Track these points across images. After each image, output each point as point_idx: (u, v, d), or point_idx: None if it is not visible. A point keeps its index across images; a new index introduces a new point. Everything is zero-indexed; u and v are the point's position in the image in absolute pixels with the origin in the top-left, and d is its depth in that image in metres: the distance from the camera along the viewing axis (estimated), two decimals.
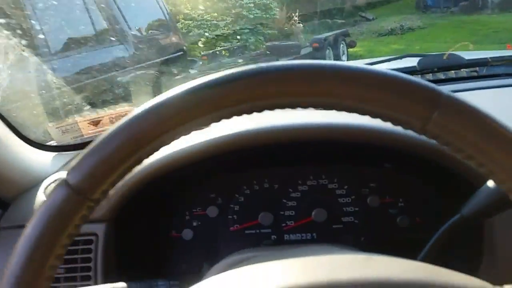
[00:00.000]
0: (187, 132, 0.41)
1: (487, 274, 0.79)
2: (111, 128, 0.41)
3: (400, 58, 1.38)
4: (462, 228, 0.68)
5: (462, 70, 1.30)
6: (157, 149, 0.42)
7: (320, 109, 0.42)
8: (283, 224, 0.99)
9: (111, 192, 0.84)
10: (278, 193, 0.99)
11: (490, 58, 1.28)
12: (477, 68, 1.28)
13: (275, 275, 0.42)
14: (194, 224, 1.01)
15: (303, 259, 0.45)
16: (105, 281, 0.80)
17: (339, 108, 0.42)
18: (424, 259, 0.68)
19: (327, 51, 7.32)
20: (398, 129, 0.81)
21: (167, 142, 0.41)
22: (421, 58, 1.32)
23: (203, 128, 0.42)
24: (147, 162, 0.87)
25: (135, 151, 0.41)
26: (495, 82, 1.20)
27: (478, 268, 0.80)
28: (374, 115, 0.42)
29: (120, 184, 0.87)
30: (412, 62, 1.32)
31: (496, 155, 0.39)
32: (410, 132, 0.77)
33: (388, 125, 0.82)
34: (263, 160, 1.00)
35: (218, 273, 0.66)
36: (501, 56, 1.29)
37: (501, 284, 0.37)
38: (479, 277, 0.40)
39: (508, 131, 0.39)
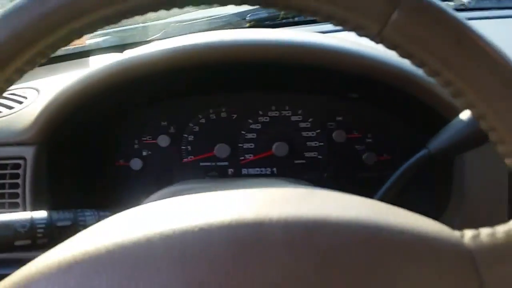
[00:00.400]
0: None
1: (453, 218, 0.73)
2: None
3: None
4: (428, 165, 0.60)
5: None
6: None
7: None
8: (241, 158, 0.91)
9: (40, 110, 0.74)
10: (237, 124, 0.90)
11: None
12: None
13: (200, 207, 0.34)
14: (144, 153, 0.92)
15: (237, 192, 0.37)
16: (35, 209, 0.72)
17: (282, 7, 0.32)
18: (382, 198, 0.61)
19: None
20: (366, 51, 0.72)
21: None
22: None
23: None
24: (81, 75, 0.78)
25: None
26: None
27: (443, 212, 0.75)
28: (322, 16, 0.33)
29: (49, 100, 0.77)
30: None
31: (468, 70, 0.30)
32: (378, 55, 0.68)
33: (357, 47, 0.73)
34: (221, 85, 0.90)
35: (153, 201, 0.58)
36: None
37: (462, 229, 0.29)
38: (442, 221, 0.32)
39: (482, 38, 0.30)
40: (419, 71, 0.69)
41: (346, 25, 0.34)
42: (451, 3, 1.19)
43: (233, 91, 0.90)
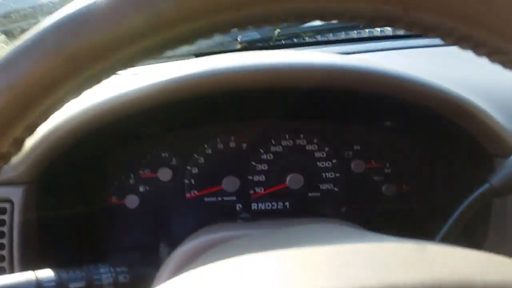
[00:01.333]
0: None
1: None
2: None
3: None
4: (490, 201, 0.55)
5: None
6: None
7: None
8: (251, 191, 0.83)
9: (31, 145, 0.63)
10: (246, 154, 0.82)
11: None
12: None
13: (291, 274, 0.27)
14: (141, 189, 0.81)
15: (326, 249, 0.30)
16: (24, 264, 0.59)
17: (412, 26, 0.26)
18: (446, 236, 0.55)
19: None
20: (413, 76, 0.66)
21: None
22: None
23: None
24: (78, 107, 0.68)
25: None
26: None
27: (482, 247, 0.70)
28: (456, 37, 0.26)
29: (42, 135, 0.66)
30: None
31: None
32: (426, 80, 0.63)
33: (403, 72, 0.67)
34: (229, 112, 0.82)
35: (183, 261, 0.48)
36: None
37: None
38: None
39: None
40: (474, 101, 0.65)
41: (480, 49, 0.27)
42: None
43: (243, 119, 0.82)
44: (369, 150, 0.83)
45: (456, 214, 0.55)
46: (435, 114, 0.62)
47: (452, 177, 0.77)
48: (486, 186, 0.55)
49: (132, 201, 0.80)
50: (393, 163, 0.83)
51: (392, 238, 0.42)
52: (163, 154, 0.81)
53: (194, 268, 0.35)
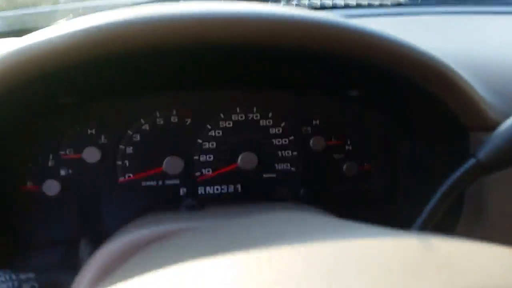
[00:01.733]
0: None
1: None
2: None
3: None
4: (478, 176, 0.48)
5: None
6: None
7: None
8: (197, 173, 0.71)
9: None
10: (191, 130, 0.70)
11: None
12: None
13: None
14: (63, 172, 0.67)
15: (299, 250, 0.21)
16: None
17: None
18: (429, 217, 0.47)
19: None
20: (392, 36, 0.57)
21: None
22: None
23: None
24: None
25: None
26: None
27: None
28: None
29: None
30: None
31: None
32: (410, 44, 0.54)
33: (376, 29, 0.57)
34: (170, 80, 0.69)
35: (108, 265, 0.38)
36: None
37: None
38: None
39: None
40: (451, 66, 0.57)
41: None
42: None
43: (186, 88, 0.70)
44: (330, 125, 0.74)
45: (439, 194, 0.47)
46: (406, 80, 0.53)
47: (423, 154, 0.69)
48: (471, 161, 0.47)
49: (51, 187, 0.66)
50: (356, 139, 0.75)
51: (372, 228, 0.33)
52: (89, 131, 0.67)
53: (120, 275, 0.24)
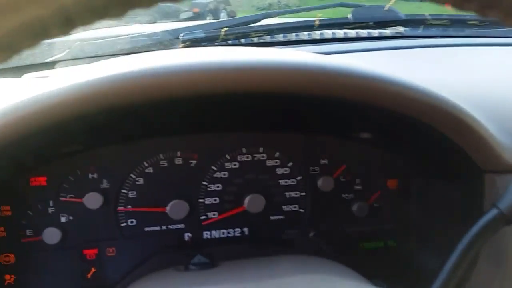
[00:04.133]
0: None
1: None
2: None
3: (332, 6, 1.14)
4: (500, 228, 0.45)
5: (398, 27, 1.12)
6: None
7: None
8: (202, 217, 0.69)
9: None
10: (196, 173, 0.68)
11: (430, 16, 1.11)
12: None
13: None
14: (63, 219, 0.65)
15: None
16: None
17: None
18: (453, 271, 0.44)
19: (208, 17, 6.98)
20: (411, 82, 0.55)
21: None
22: (355, 8, 1.10)
23: None
24: None
25: None
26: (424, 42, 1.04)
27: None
28: None
29: None
30: (346, 12, 1.09)
31: None
32: (426, 89, 0.52)
33: (392, 75, 0.56)
34: (174, 123, 0.67)
35: None
36: (440, 15, 1.13)
37: None
38: None
39: None
40: (464, 107, 0.55)
41: None
42: (387, 31, 1.12)
43: (191, 131, 0.68)
44: (339, 164, 0.72)
45: (463, 245, 0.45)
46: (421, 125, 0.52)
47: (435, 195, 0.67)
48: (493, 212, 0.45)
49: (51, 235, 0.63)
50: (366, 178, 0.73)
51: None
52: (90, 175, 0.65)
53: None
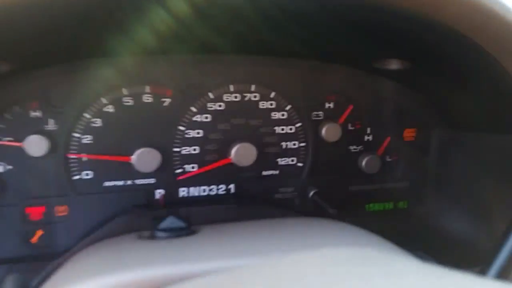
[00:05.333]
0: None
1: None
2: None
3: None
4: None
5: None
6: None
7: None
8: (178, 170, 0.55)
9: None
10: (170, 114, 0.54)
11: None
12: None
13: None
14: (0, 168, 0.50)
15: None
16: None
17: None
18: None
19: None
20: None
21: None
22: None
23: None
24: None
25: None
26: None
27: None
28: None
29: None
30: None
31: None
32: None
33: None
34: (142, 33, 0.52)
35: None
36: None
37: None
38: None
39: None
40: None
41: None
42: None
43: (165, 53, 0.53)
44: (345, 106, 0.58)
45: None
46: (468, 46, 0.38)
47: (473, 150, 0.55)
48: None
49: None
50: (380, 126, 0.60)
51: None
52: (32, 113, 0.50)
53: None
